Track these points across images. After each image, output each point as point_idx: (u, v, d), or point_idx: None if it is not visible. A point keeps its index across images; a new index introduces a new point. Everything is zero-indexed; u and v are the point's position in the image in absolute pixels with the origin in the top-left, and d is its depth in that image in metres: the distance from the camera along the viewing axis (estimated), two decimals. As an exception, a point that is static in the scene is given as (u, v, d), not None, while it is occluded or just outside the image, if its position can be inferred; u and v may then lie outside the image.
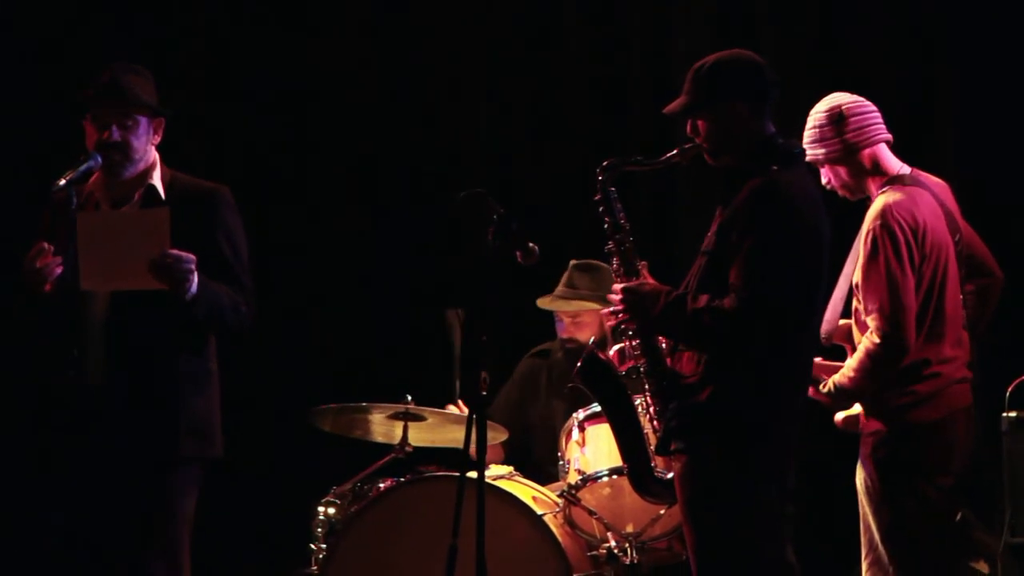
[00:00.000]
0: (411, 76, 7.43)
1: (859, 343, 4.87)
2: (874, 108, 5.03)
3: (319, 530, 5.95)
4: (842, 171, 4.99)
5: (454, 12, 7.41)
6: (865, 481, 4.91)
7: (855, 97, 5.03)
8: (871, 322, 4.79)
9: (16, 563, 6.68)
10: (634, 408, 4.86)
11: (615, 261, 4.72)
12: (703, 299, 4.42)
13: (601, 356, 4.92)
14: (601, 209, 4.71)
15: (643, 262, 4.70)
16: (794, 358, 4.53)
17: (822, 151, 4.98)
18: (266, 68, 7.40)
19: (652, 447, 4.73)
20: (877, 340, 4.76)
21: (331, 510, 5.97)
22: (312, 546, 5.96)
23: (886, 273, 4.77)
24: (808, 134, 5.02)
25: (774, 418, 4.47)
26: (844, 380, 4.87)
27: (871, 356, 4.79)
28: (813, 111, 5.05)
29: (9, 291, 4.77)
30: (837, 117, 4.97)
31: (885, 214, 4.82)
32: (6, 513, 6.83)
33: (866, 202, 4.98)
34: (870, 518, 4.91)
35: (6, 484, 6.83)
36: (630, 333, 4.66)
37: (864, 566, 4.96)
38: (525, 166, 7.30)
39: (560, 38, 7.33)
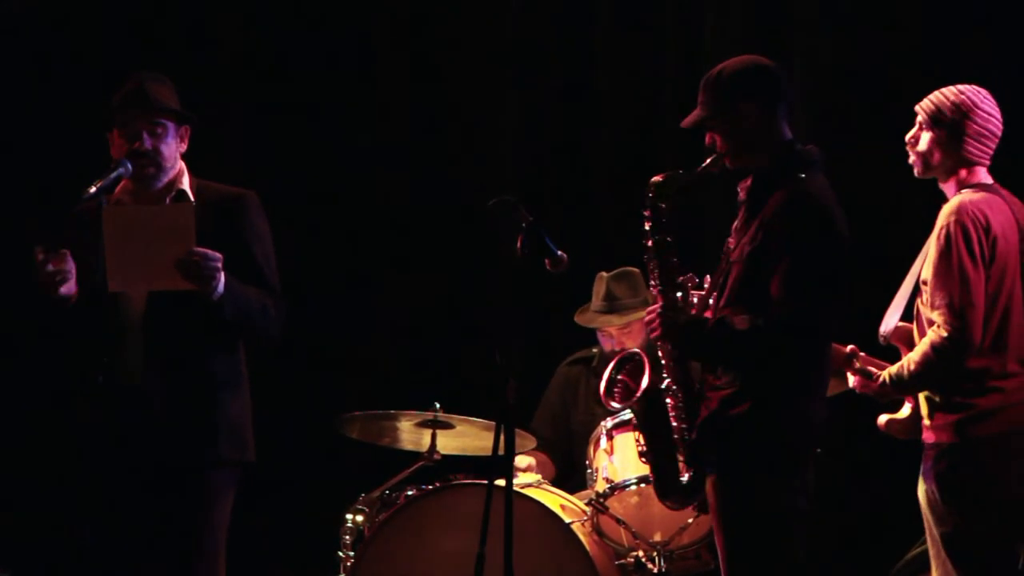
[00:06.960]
0: (440, 81, 7.44)
1: (918, 343, 4.85)
2: (1000, 131, 4.91)
3: (347, 537, 5.95)
4: (937, 154, 4.91)
5: (485, 17, 7.41)
6: (927, 494, 4.87)
7: (997, 112, 4.89)
8: (938, 317, 4.75)
9: (53, 571, 6.69)
10: (668, 415, 4.73)
11: (654, 279, 4.63)
12: (743, 320, 4.40)
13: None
14: (649, 227, 4.61)
15: (687, 277, 4.63)
16: (822, 367, 4.55)
17: (931, 132, 4.86)
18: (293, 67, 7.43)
19: (680, 458, 4.67)
20: (944, 334, 4.72)
21: (359, 517, 5.97)
22: (340, 554, 5.96)
23: (959, 269, 4.74)
24: (935, 98, 4.87)
25: (808, 427, 4.48)
26: (903, 371, 4.83)
27: (935, 348, 4.74)
28: (958, 88, 4.87)
29: (24, 299, 4.77)
30: (971, 122, 4.82)
31: (960, 211, 4.80)
32: (42, 520, 6.84)
33: (940, 202, 4.95)
34: (935, 531, 4.87)
35: (40, 490, 6.85)
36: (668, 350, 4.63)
37: None
38: (555, 175, 7.30)
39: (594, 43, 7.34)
